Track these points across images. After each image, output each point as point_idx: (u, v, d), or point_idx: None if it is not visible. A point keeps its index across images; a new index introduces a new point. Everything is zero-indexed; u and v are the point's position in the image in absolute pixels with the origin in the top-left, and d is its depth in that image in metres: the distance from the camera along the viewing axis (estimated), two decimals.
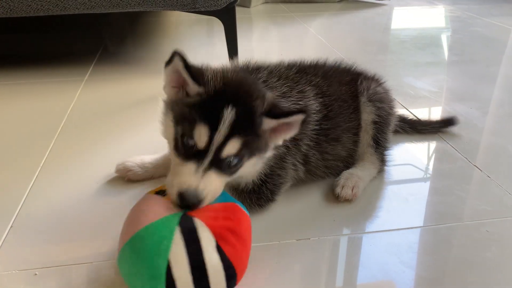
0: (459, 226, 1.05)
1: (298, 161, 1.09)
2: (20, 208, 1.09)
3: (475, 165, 1.30)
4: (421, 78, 1.99)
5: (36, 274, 0.90)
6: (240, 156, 0.85)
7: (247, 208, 0.92)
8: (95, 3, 1.81)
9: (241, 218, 0.83)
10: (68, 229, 1.02)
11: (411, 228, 1.05)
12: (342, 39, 2.67)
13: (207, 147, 0.82)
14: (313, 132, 1.08)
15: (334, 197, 1.12)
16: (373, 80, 1.27)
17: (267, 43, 2.68)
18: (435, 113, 1.66)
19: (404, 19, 3.28)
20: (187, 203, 0.79)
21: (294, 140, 1.04)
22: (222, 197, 0.87)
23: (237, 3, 1.97)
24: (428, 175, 1.28)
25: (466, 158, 1.34)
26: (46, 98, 1.75)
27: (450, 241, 1.01)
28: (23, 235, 1.00)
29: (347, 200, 1.11)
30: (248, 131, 0.85)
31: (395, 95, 1.76)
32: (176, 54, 0.84)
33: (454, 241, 1.01)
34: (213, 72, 0.89)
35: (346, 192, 1.09)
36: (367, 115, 1.19)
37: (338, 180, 1.14)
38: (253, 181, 1.04)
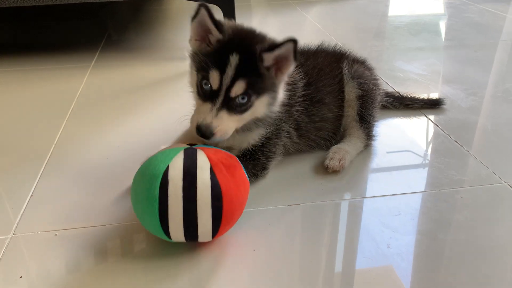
0: (437, 193, 1.16)
1: (291, 127, 1.23)
2: (38, 179, 1.20)
3: (455, 141, 1.40)
4: (411, 62, 2.09)
5: (56, 235, 1.01)
6: (248, 95, 1.02)
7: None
8: None
9: (236, 166, 0.95)
10: (83, 197, 1.14)
11: (393, 195, 1.15)
12: (338, 26, 2.76)
13: (219, 89, 1.00)
14: (301, 98, 1.22)
15: (323, 168, 1.23)
16: (356, 61, 1.38)
17: (266, 30, 2.76)
18: (422, 94, 1.75)
19: (400, 6, 3.35)
20: (203, 133, 1.01)
21: (289, 106, 1.19)
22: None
23: None
24: (411, 150, 1.38)
25: (447, 134, 1.45)
26: (56, 83, 1.86)
27: (428, 206, 1.12)
28: (43, 202, 1.12)
29: (335, 171, 1.22)
30: (251, 72, 1.01)
31: (386, 78, 1.87)
32: (202, 6, 1.01)
33: (432, 206, 1.11)
34: (228, 24, 1.08)
35: (333, 164, 1.20)
36: (351, 90, 1.30)
37: (327, 153, 1.25)
38: (253, 145, 1.16)
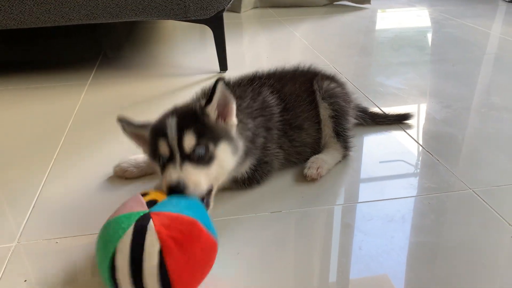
0: (407, 200, 1.27)
1: (276, 146, 1.32)
2: (39, 193, 1.30)
3: (428, 151, 1.51)
4: (392, 77, 2.21)
5: (57, 242, 1.10)
6: (203, 145, 1.03)
7: (239, 189, 1.20)
8: (96, 14, 2.02)
9: (194, 238, 0.84)
10: (82, 207, 1.24)
11: (367, 202, 1.25)
12: (324, 42, 2.88)
13: (171, 150, 1.02)
14: (278, 123, 1.31)
15: (303, 177, 1.33)
16: (327, 78, 1.47)
17: (256, 47, 2.89)
18: (401, 108, 1.86)
19: (385, 22, 3.49)
20: (176, 190, 0.96)
21: (268, 129, 1.27)
22: (190, 211, 0.89)
23: (228, 8, 2.18)
24: (386, 160, 1.49)
25: (421, 145, 1.55)
26: (54, 101, 1.96)
27: (399, 212, 1.21)
28: (44, 212, 1.22)
29: (313, 179, 1.31)
30: (194, 123, 1.04)
31: (367, 93, 1.98)
32: (119, 122, 1.17)
33: (402, 212, 1.21)
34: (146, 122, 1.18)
35: (311, 172, 1.30)
36: (324, 110, 1.40)
37: (306, 163, 1.35)
38: (246, 172, 1.25)
